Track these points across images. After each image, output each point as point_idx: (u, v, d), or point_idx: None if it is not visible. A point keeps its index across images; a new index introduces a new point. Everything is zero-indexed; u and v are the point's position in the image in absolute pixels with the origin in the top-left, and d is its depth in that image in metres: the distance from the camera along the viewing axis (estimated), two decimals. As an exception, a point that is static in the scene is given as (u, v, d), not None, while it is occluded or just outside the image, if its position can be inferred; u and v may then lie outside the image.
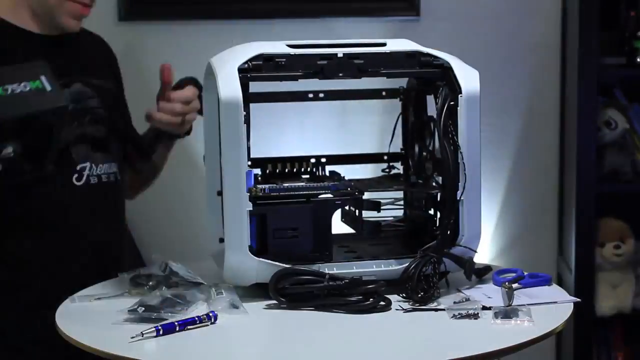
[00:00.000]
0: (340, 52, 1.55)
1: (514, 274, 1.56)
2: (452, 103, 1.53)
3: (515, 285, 1.50)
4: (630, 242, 2.69)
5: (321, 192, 1.58)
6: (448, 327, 1.39)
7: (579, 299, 1.50)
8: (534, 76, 2.82)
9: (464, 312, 1.41)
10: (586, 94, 2.54)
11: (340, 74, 1.56)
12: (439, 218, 1.59)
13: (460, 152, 1.52)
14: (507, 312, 1.39)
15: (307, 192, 1.56)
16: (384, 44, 1.60)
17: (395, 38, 1.66)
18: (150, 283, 1.56)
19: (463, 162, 1.52)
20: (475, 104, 1.54)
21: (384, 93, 1.79)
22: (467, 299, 1.46)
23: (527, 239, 2.87)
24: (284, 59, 1.53)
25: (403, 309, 1.45)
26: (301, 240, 1.54)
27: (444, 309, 1.43)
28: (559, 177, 2.86)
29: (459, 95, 1.53)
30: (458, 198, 1.53)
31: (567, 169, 2.75)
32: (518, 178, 2.85)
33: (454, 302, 1.45)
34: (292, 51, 1.54)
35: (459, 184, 1.52)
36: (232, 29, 2.77)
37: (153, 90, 2.84)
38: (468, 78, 1.55)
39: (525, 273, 1.58)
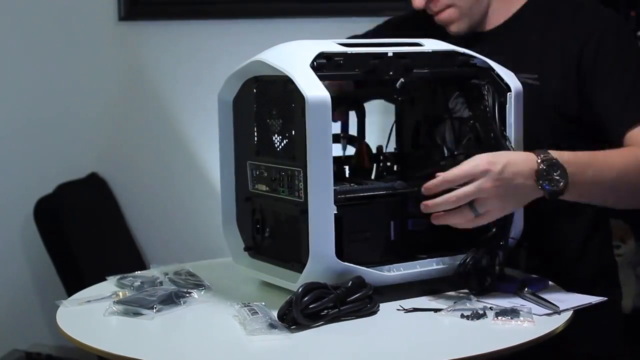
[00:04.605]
0: (390, 51, 1.56)
1: (512, 283, 1.55)
2: (501, 100, 1.58)
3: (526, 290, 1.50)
4: (630, 242, 2.69)
5: (384, 192, 1.57)
6: (448, 327, 1.39)
7: (605, 298, 1.50)
8: (534, 76, 2.82)
9: (464, 312, 1.41)
10: (586, 94, 2.54)
11: (391, 73, 1.56)
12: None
13: (512, 147, 1.56)
14: (508, 313, 1.39)
15: (375, 193, 1.56)
16: (420, 44, 1.62)
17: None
18: (135, 284, 1.58)
19: None
20: (520, 100, 1.59)
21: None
22: (468, 299, 1.46)
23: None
24: (342, 58, 1.51)
25: (404, 309, 1.45)
26: (377, 241, 1.54)
27: (444, 309, 1.43)
28: (559, 177, 2.86)
29: (508, 93, 1.57)
30: None
31: (567, 169, 2.75)
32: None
33: (454, 302, 1.45)
34: (349, 50, 1.53)
35: None
36: (232, 29, 2.78)
37: (152, 89, 2.86)
38: (509, 76, 1.60)
39: (520, 277, 1.57)
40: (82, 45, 2.84)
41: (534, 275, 1.60)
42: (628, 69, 1.74)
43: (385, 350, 1.31)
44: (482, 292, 1.50)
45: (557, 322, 1.40)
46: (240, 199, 1.65)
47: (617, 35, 1.76)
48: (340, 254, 1.46)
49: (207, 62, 2.79)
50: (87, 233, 2.71)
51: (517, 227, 1.60)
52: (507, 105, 1.59)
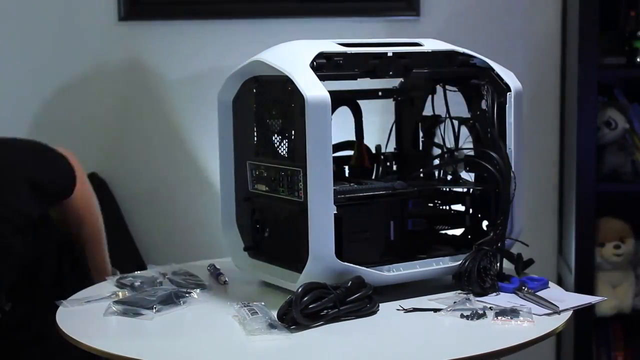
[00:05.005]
0: (389, 51, 1.56)
1: (512, 283, 1.55)
2: (501, 99, 1.58)
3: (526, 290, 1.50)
4: (630, 242, 2.69)
5: (384, 192, 1.57)
6: (448, 327, 1.39)
7: (605, 298, 1.51)
8: (534, 76, 2.82)
9: (464, 312, 1.41)
10: (586, 94, 2.54)
11: (390, 73, 1.56)
12: (499, 214, 1.59)
13: (510, 149, 1.58)
14: (508, 313, 1.39)
15: (375, 193, 1.56)
16: (420, 44, 1.61)
17: (396, 38, 1.67)
18: (135, 284, 1.58)
19: (512, 159, 1.59)
20: (520, 100, 1.60)
21: (380, 93, 1.79)
22: (468, 299, 1.46)
23: (527, 239, 2.86)
24: (342, 58, 1.51)
25: (404, 309, 1.45)
26: (377, 241, 1.54)
27: (444, 309, 1.43)
28: (559, 177, 2.85)
29: (508, 93, 1.57)
30: (512, 193, 1.59)
31: (567, 169, 2.75)
32: (518, 178, 2.84)
33: (454, 302, 1.45)
34: (349, 50, 1.53)
35: (512, 180, 1.59)
36: (232, 29, 2.77)
37: (152, 89, 2.86)
38: (509, 76, 1.60)
39: (521, 278, 1.57)
40: (82, 45, 2.84)
41: (534, 276, 1.60)
42: None
43: (385, 350, 1.31)
44: (482, 293, 1.50)
45: (557, 322, 1.40)
46: (240, 199, 1.65)
47: None
48: (340, 254, 1.46)
49: (207, 62, 2.79)
50: (87, 233, 2.70)
51: (517, 227, 1.60)
52: (507, 105, 1.59)
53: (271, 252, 1.59)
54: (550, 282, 1.59)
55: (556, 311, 1.42)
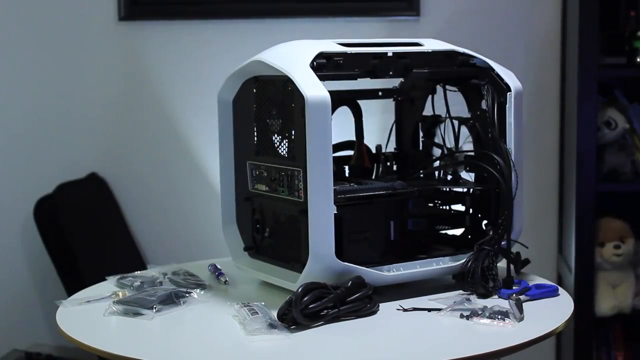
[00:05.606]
0: (389, 51, 1.56)
1: (519, 286, 1.53)
2: (501, 99, 1.58)
3: (522, 297, 1.48)
4: (630, 242, 2.69)
5: (384, 192, 1.57)
6: (448, 327, 1.39)
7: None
8: (534, 76, 2.82)
9: (464, 312, 1.41)
10: (586, 94, 2.54)
11: (390, 72, 1.56)
12: (500, 214, 1.59)
13: (510, 149, 1.59)
14: (507, 313, 1.39)
15: (375, 193, 1.56)
16: (420, 44, 1.61)
17: (396, 38, 1.67)
18: (135, 284, 1.58)
19: (512, 159, 1.59)
20: (520, 100, 1.60)
21: (380, 93, 1.79)
22: (468, 299, 1.46)
23: (527, 238, 2.86)
24: (342, 58, 1.51)
25: (403, 309, 1.45)
26: (376, 241, 1.54)
27: (443, 309, 1.43)
28: (559, 177, 2.86)
29: (508, 93, 1.58)
30: (513, 193, 1.58)
31: (567, 169, 2.75)
32: (518, 178, 2.84)
33: (454, 302, 1.45)
34: (349, 50, 1.53)
35: (513, 179, 1.58)
36: (232, 29, 2.77)
37: (152, 89, 2.86)
38: (509, 76, 1.60)
39: (532, 284, 1.54)
40: (82, 45, 2.84)
41: (547, 282, 1.58)
42: None
43: (385, 350, 1.31)
44: (486, 294, 1.50)
45: (557, 322, 1.40)
46: (240, 199, 1.65)
47: None
48: (340, 253, 1.46)
49: (207, 62, 2.79)
50: (87, 233, 2.70)
51: (517, 228, 1.60)
52: (507, 105, 1.59)
53: (271, 252, 1.60)
54: (560, 290, 1.55)
55: (509, 324, 1.38)
